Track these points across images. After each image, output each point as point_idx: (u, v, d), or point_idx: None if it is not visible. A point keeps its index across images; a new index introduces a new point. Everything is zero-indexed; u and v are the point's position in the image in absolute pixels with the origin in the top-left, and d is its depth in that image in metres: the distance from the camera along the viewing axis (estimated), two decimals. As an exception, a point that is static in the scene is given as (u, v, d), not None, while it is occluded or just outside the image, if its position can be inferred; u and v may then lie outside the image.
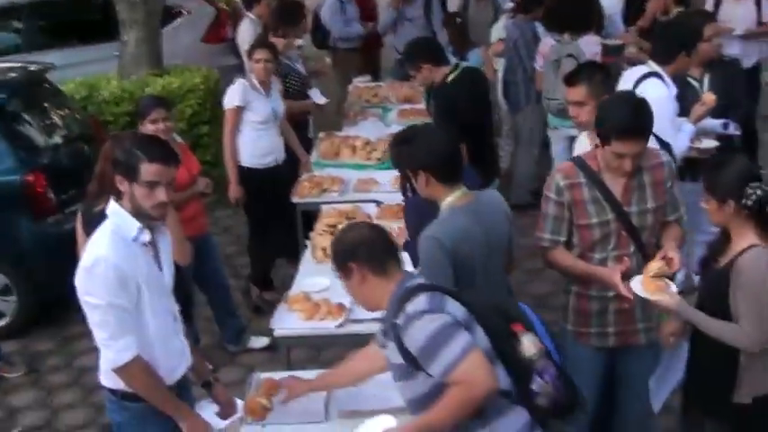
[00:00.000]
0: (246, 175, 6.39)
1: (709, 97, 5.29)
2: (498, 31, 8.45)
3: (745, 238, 3.53)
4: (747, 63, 7.99)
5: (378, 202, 5.95)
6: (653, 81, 5.08)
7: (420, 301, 3.03)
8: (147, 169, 3.35)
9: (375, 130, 7.57)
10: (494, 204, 3.95)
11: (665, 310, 3.68)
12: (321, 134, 7.52)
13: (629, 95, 4.09)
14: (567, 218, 3.86)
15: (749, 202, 3.46)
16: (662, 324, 3.92)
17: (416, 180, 3.78)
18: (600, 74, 4.36)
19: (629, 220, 3.81)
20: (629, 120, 3.66)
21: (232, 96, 6.32)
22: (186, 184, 5.45)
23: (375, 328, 3.55)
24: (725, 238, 3.67)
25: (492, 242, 3.79)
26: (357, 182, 6.39)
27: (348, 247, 3.22)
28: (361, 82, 9.19)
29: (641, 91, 4.96)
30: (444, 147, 3.75)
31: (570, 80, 4.35)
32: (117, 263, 3.32)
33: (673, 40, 5.26)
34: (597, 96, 4.17)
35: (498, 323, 3.15)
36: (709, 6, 8.32)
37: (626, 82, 5.23)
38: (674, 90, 5.14)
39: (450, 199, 3.73)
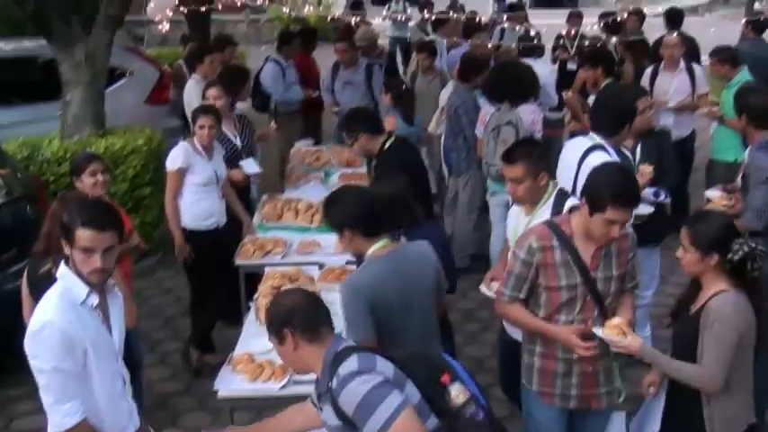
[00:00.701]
0: (188, 237, 6.40)
1: (646, 169, 5.51)
2: (444, 100, 8.66)
3: (716, 285, 3.71)
4: (682, 133, 8.34)
5: (320, 265, 6.03)
6: (599, 153, 5.27)
7: (351, 363, 3.15)
8: (81, 235, 3.36)
9: (317, 193, 7.63)
10: (418, 252, 4.21)
11: (627, 351, 3.82)
12: (264, 197, 7.58)
13: (617, 166, 4.34)
14: (530, 278, 4.00)
15: (735, 257, 3.64)
16: (644, 376, 4.09)
17: (342, 237, 4.09)
18: (537, 150, 4.55)
19: (595, 285, 3.95)
20: (625, 188, 3.84)
21: (174, 159, 6.35)
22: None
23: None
24: (695, 289, 3.84)
25: (413, 287, 4.04)
26: (300, 244, 6.46)
27: (283, 314, 3.31)
28: (303, 145, 9.31)
29: (588, 162, 5.17)
30: (360, 206, 4.08)
31: (508, 158, 4.53)
32: (63, 327, 3.33)
33: (615, 115, 5.47)
34: (534, 173, 4.39)
35: (427, 376, 3.32)
36: (645, 78, 8.68)
37: (570, 153, 5.43)
38: (617, 161, 5.34)
39: (372, 249, 4.04)
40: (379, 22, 14.14)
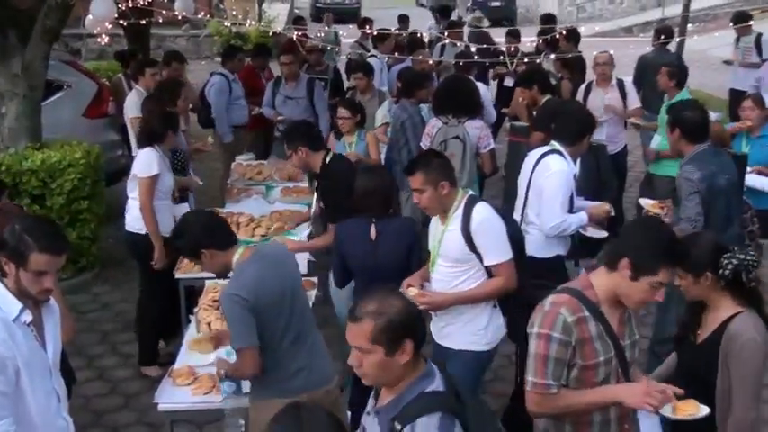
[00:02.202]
0: (147, 242, 6.33)
1: (605, 206, 5.70)
2: (381, 116, 8.71)
3: (724, 307, 3.65)
4: (615, 148, 8.54)
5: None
6: (555, 156, 5.49)
7: (432, 422, 2.84)
8: (37, 259, 3.35)
9: (258, 207, 7.65)
10: (278, 250, 4.48)
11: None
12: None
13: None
14: (568, 359, 3.39)
15: (726, 272, 3.61)
16: None
17: (201, 260, 4.20)
18: (436, 161, 4.61)
19: (624, 354, 3.48)
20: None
21: (150, 164, 6.26)
22: None
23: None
24: (695, 313, 3.78)
25: (287, 277, 4.18)
26: (405, 170, 6.32)
27: (407, 322, 2.90)
28: (243, 159, 9.29)
29: (544, 164, 5.41)
30: (204, 226, 4.21)
31: (408, 169, 4.60)
32: None
33: (578, 125, 5.66)
34: (434, 183, 4.46)
35: None
36: (579, 94, 8.88)
37: (529, 160, 5.63)
38: (573, 168, 5.55)
39: (236, 257, 4.15)
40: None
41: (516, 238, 4.73)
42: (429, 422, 2.82)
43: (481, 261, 4.55)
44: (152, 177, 6.27)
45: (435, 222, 4.72)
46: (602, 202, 5.77)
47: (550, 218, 5.42)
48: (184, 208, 6.71)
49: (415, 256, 5.07)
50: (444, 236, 4.59)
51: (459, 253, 4.54)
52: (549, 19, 13.91)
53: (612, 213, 5.81)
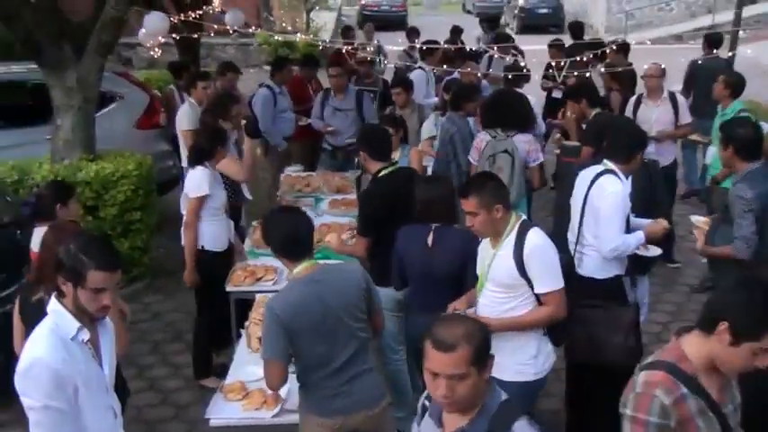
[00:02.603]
0: (205, 258, 6.44)
1: (663, 223, 5.60)
2: (428, 130, 8.73)
3: None
4: (664, 162, 8.45)
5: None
6: (609, 177, 5.41)
7: (526, 425, 2.92)
8: (95, 277, 3.41)
9: (307, 219, 7.70)
10: (341, 271, 4.38)
11: None
12: (254, 223, 7.62)
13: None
14: None
15: None
16: None
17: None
18: (490, 184, 4.57)
19: (728, 423, 3.16)
20: None
21: (200, 184, 6.35)
22: None
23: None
24: None
25: (336, 310, 4.11)
26: (459, 193, 6.37)
27: (488, 338, 2.98)
28: (292, 171, 9.35)
29: (599, 185, 5.34)
30: (279, 231, 4.25)
31: (462, 192, 4.57)
32: (53, 365, 3.35)
33: (630, 142, 5.58)
34: (487, 206, 4.44)
35: None
36: (629, 107, 8.81)
37: (583, 180, 5.56)
38: (628, 187, 5.45)
39: (296, 271, 4.20)
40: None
41: (565, 264, 4.70)
42: (523, 425, 2.93)
43: (532, 288, 4.51)
44: (201, 198, 6.35)
45: (485, 245, 4.69)
46: (657, 219, 5.69)
47: (609, 241, 5.34)
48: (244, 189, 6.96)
49: (472, 268, 4.92)
50: (495, 260, 4.55)
51: (510, 278, 4.49)
52: (577, 27, 13.81)
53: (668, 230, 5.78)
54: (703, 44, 11.23)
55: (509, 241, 4.49)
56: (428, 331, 2.90)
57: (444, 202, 5.28)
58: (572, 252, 5.63)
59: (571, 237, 5.63)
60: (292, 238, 4.20)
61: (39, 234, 5.27)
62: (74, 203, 5.73)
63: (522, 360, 4.60)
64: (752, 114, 8.03)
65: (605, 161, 5.52)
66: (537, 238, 4.47)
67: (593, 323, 5.11)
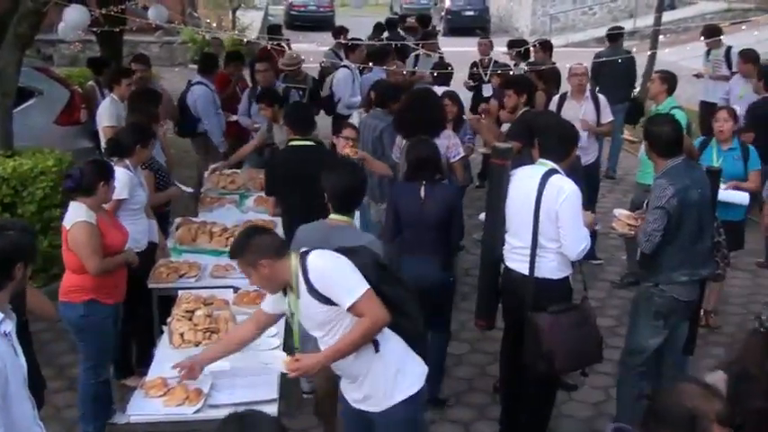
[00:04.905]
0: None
1: (590, 218, 5.66)
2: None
3: None
4: (588, 159, 8.59)
5: (235, 288, 6.00)
6: (560, 177, 5.35)
7: None
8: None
9: (231, 216, 7.64)
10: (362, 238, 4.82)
11: None
12: (177, 220, 7.52)
13: None
14: None
15: None
16: None
17: (258, 270, 4.07)
18: (250, 241, 4.15)
19: None
20: None
21: (120, 188, 6.07)
22: (121, 248, 5.67)
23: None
24: None
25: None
26: (214, 267, 6.41)
27: None
28: (218, 168, 9.23)
29: (553, 186, 5.26)
30: (341, 183, 4.84)
31: (230, 255, 4.33)
32: None
33: (565, 140, 5.57)
34: (253, 265, 4.09)
35: None
36: (552, 105, 8.95)
37: (524, 180, 5.44)
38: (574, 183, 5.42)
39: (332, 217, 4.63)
40: (305, 47, 14.17)
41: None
42: None
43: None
44: (119, 200, 6.17)
45: (290, 298, 4.24)
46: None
47: (578, 242, 5.29)
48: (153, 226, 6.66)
49: (457, 216, 6.09)
50: (300, 307, 4.15)
51: (322, 313, 4.09)
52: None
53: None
54: (607, 39, 12.50)
55: (301, 284, 4.08)
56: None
57: (431, 161, 6.15)
58: (503, 254, 5.63)
59: (515, 241, 5.51)
60: (350, 189, 4.92)
61: (73, 209, 5.46)
62: (113, 184, 5.70)
63: (387, 383, 4.25)
64: (684, 112, 8.20)
65: (542, 160, 5.47)
66: (315, 261, 4.08)
67: (566, 328, 5.27)
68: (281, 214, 6.82)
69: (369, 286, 4.05)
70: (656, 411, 2.82)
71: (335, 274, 4.06)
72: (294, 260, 4.10)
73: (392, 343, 4.24)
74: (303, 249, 4.18)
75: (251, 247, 4.10)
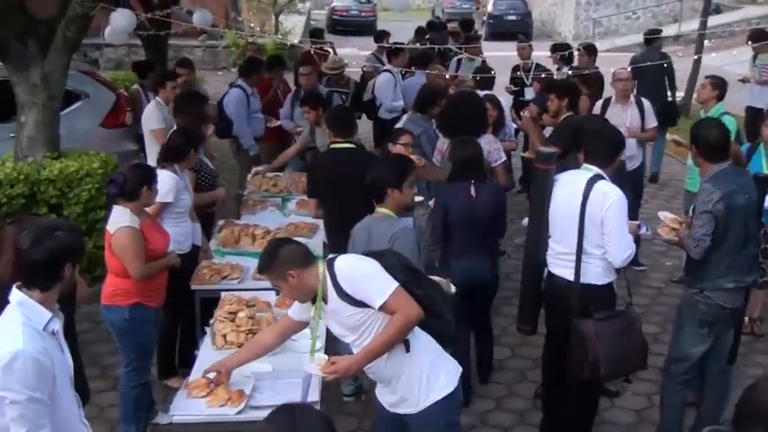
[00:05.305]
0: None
1: (634, 226, 5.63)
2: None
3: None
4: (632, 165, 8.51)
5: (277, 291, 6.01)
6: (606, 183, 5.31)
7: None
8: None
9: (274, 219, 7.69)
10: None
11: None
12: (220, 222, 7.57)
13: None
14: None
15: None
16: None
17: (287, 281, 4.10)
18: (277, 252, 4.19)
19: None
20: None
21: (166, 191, 6.17)
22: (163, 251, 5.72)
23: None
24: None
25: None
26: (256, 270, 6.43)
27: None
28: (260, 171, 9.29)
29: (599, 193, 5.22)
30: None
31: (259, 270, 4.39)
32: (35, 356, 3.32)
33: (611, 145, 5.54)
34: (283, 277, 4.12)
35: None
36: (596, 111, 8.87)
37: (569, 185, 5.41)
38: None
39: (320, 269, 4.13)
40: (347, 51, 14.19)
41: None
42: None
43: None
44: (164, 203, 6.23)
45: (309, 310, 4.30)
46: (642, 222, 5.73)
47: (623, 249, 5.25)
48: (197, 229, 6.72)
49: (504, 215, 6.34)
50: (330, 315, 4.18)
51: (353, 317, 4.10)
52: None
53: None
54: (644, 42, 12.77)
55: (330, 290, 4.10)
56: None
57: (478, 161, 6.34)
58: (547, 259, 5.58)
59: (559, 247, 5.47)
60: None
61: (117, 214, 5.54)
62: (155, 188, 5.76)
63: (421, 384, 4.24)
64: (733, 118, 8.10)
65: (587, 165, 5.43)
66: (343, 265, 4.12)
67: (610, 335, 5.25)
68: (323, 216, 6.83)
69: (398, 284, 4.07)
70: (746, 411, 2.79)
71: (365, 276, 4.09)
72: (321, 267, 4.13)
73: (423, 342, 4.24)
74: (330, 256, 4.25)
75: (278, 259, 4.14)
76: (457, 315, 4.57)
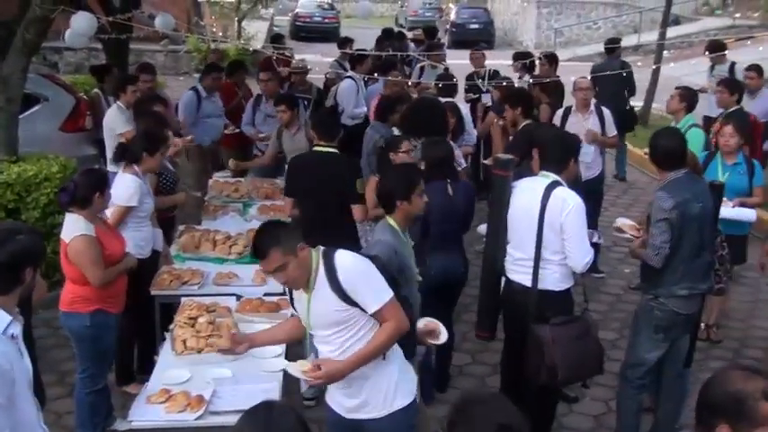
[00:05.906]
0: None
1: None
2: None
3: None
4: (591, 174, 8.58)
5: (237, 296, 6.02)
6: (564, 189, 5.34)
7: None
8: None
9: (235, 224, 7.66)
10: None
11: None
12: (181, 227, 7.53)
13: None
14: None
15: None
16: None
17: (297, 256, 3.99)
18: (281, 230, 4.13)
19: None
20: None
21: (130, 196, 6.18)
22: (121, 256, 5.68)
23: (234, 420, 3.52)
24: None
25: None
26: (217, 275, 6.43)
27: None
28: (221, 176, 9.28)
29: (558, 199, 5.25)
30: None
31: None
32: None
33: (564, 151, 5.56)
34: (293, 250, 3.98)
35: None
36: (557, 119, 8.95)
37: (527, 192, 5.43)
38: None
39: (314, 256, 4.07)
40: (310, 57, 14.20)
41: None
42: None
43: (364, 311, 4.08)
44: (128, 207, 6.22)
45: (298, 296, 4.23)
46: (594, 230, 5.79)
47: (583, 254, 5.30)
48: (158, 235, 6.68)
49: (473, 210, 6.62)
50: (313, 303, 4.10)
51: (336, 313, 4.05)
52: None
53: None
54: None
55: (320, 277, 4.05)
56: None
57: (450, 159, 6.59)
58: (505, 266, 5.62)
59: (517, 253, 5.50)
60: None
61: (70, 222, 5.47)
62: (108, 193, 5.74)
63: (389, 390, 4.25)
64: (701, 130, 8.20)
65: (544, 172, 5.46)
66: (345, 260, 4.07)
67: (567, 340, 5.29)
68: (298, 216, 6.86)
69: (393, 292, 4.10)
70: (706, 404, 2.85)
71: (366, 278, 4.08)
72: (315, 255, 4.08)
73: (395, 349, 4.27)
74: (325, 248, 4.15)
75: (289, 233, 4.08)
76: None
